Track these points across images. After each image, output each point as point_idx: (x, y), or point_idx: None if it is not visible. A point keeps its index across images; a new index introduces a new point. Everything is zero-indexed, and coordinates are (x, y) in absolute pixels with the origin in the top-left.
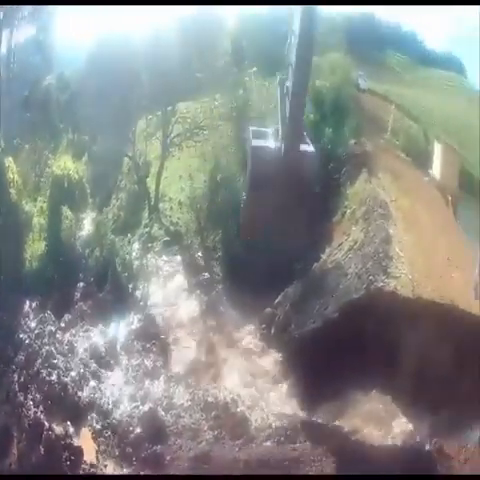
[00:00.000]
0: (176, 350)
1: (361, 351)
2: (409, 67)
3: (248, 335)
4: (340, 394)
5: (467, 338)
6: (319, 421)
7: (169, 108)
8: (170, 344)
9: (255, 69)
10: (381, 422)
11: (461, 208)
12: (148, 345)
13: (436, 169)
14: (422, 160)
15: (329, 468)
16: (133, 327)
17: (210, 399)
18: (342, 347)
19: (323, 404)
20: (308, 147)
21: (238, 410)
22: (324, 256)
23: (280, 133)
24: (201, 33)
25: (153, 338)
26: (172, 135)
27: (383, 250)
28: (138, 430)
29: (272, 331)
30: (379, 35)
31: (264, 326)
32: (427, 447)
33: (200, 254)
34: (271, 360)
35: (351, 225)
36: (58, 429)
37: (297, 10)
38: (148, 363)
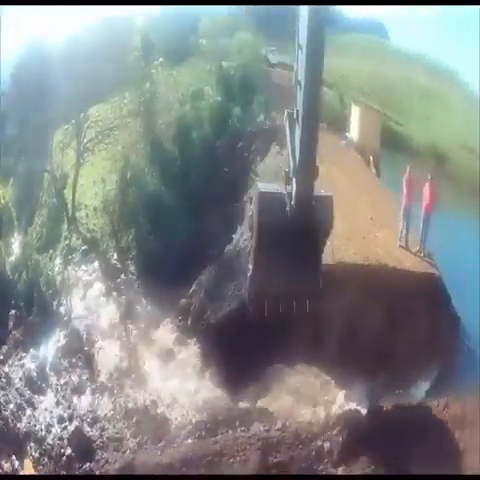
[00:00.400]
0: (99, 360)
1: (281, 326)
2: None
3: (166, 330)
4: (263, 373)
5: (399, 294)
6: (242, 407)
7: (82, 114)
8: (94, 355)
9: (162, 60)
10: (311, 396)
11: (384, 163)
12: (74, 360)
13: (354, 131)
14: (338, 125)
15: (254, 455)
16: (59, 345)
17: (130, 405)
18: (261, 325)
19: (247, 386)
20: (323, 191)
21: (158, 411)
22: (236, 236)
23: (291, 172)
24: (112, 33)
25: (78, 352)
26: (85, 141)
27: None
28: (68, 451)
29: (189, 322)
30: (291, 9)
31: (181, 318)
32: (364, 412)
33: (115, 257)
34: (190, 352)
35: None
36: (6, 466)
37: (304, 22)
38: (75, 378)
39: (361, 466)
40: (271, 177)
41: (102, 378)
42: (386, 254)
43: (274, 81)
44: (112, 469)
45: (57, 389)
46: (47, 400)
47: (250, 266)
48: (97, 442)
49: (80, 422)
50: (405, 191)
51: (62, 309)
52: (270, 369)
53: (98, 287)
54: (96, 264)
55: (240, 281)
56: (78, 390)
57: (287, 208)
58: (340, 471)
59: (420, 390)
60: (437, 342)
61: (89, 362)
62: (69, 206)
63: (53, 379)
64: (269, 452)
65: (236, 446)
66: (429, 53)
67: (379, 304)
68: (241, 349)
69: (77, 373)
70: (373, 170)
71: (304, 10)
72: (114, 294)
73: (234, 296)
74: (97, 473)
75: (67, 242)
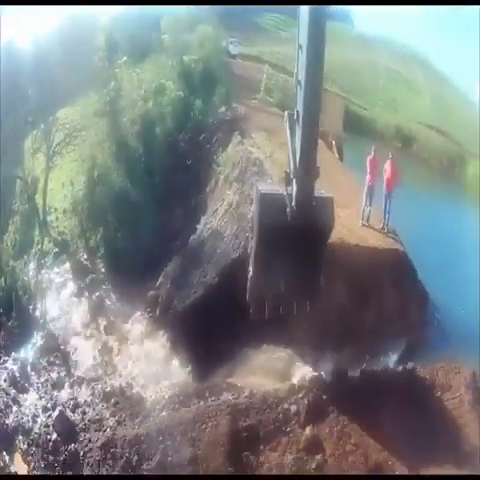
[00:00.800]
0: (75, 356)
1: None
2: (287, 25)
3: (136, 323)
4: (231, 356)
5: (363, 271)
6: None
7: (50, 118)
8: (70, 352)
9: (125, 58)
10: (277, 373)
11: (349, 147)
12: (52, 359)
13: None
14: None
15: (225, 420)
16: (38, 345)
17: (108, 389)
18: (226, 310)
19: (215, 372)
20: (323, 192)
21: (134, 391)
22: (200, 226)
23: (292, 173)
24: (77, 33)
25: (55, 351)
26: (54, 145)
27: None
28: (54, 436)
29: (157, 313)
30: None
31: (150, 310)
32: (329, 379)
33: (85, 256)
34: (160, 341)
35: (225, 190)
36: None
37: (304, 22)
38: (54, 375)
39: (328, 425)
40: (233, 166)
41: (79, 373)
42: (349, 232)
43: (235, 72)
44: (95, 447)
45: (38, 387)
46: (31, 397)
47: (250, 267)
48: (80, 425)
49: (63, 408)
50: (369, 170)
51: (38, 312)
52: (237, 352)
53: (70, 287)
54: (67, 265)
55: (205, 268)
56: (57, 386)
57: (288, 209)
58: (308, 430)
59: (387, 362)
60: (404, 316)
61: (65, 359)
62: (40, 211)
63: (34, 378)
64: (238, 417)
65: (207, 413)
66: (396, 38)
67: (343, 281)
68: (208, 334)
69: (55, 371)
70: (336, 155)
71: (304, 10)
72: (85, 293)
73: (200, 283)
74: (81, 453)
75: (39, 246)
